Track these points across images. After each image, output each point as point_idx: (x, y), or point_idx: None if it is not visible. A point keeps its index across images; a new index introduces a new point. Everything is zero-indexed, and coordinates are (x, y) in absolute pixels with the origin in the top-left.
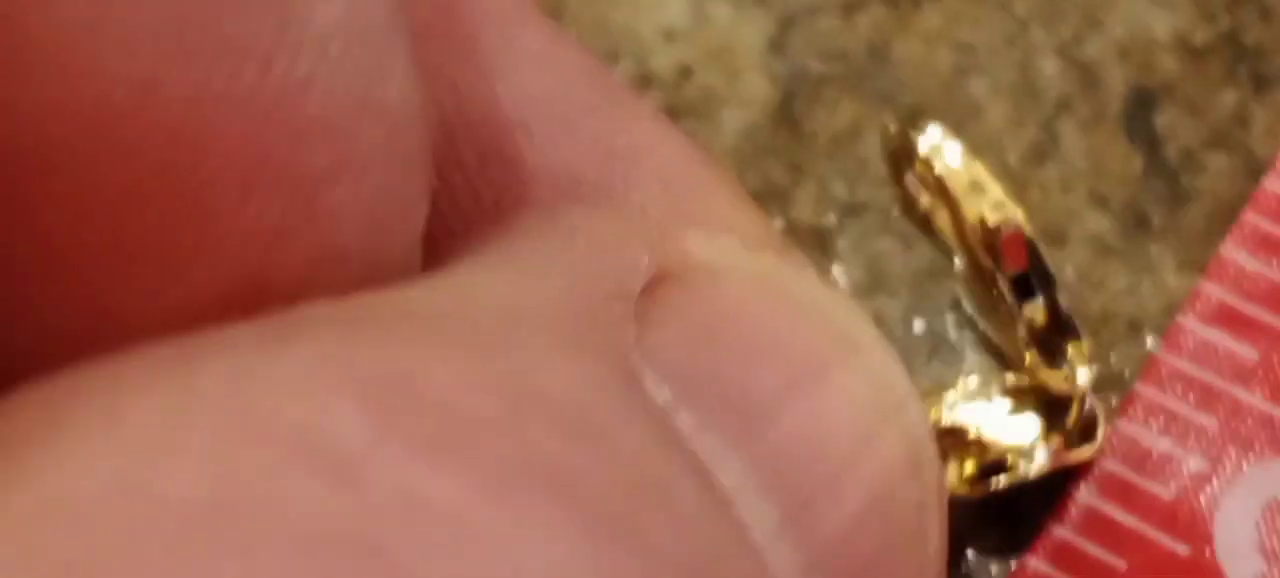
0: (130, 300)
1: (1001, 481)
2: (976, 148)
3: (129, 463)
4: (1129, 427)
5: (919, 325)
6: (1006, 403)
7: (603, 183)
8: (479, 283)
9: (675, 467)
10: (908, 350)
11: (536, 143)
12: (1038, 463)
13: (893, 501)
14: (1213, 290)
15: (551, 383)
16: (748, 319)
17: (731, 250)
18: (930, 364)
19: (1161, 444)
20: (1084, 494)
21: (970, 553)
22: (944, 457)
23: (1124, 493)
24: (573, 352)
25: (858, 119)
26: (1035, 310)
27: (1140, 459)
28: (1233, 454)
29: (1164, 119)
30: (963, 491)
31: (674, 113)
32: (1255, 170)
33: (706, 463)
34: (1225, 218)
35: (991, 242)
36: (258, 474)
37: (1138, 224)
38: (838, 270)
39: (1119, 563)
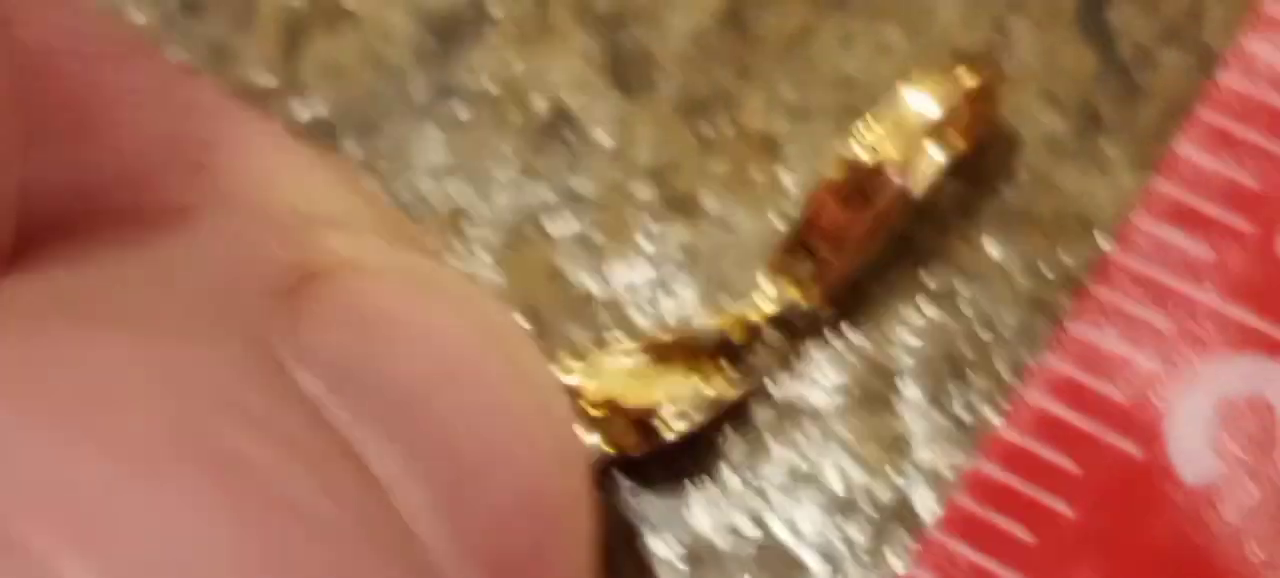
0: None
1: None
2: (929, 46)
3: None
4: (1081, 328)
5: None
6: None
7: (238, 195)
8: (118, 272)
9: (329, 451)
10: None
11: (166, 180)
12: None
13: (545, 493)
14: (1166, 188)
15: (198, 365)
16: (398, 312)
17: (376, 248)
18: (888, 272)
19: (1114, 345)
20: (1035, 397)
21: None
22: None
23: (1076, 395)
24: (219, 338)
25: (808, 22)
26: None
27: (1092, 361)
28: (1186, 354)
29: (1117, 14)
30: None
31: (621, 17)
32: (1209, 66)
33: (360, 451)
34: (1179, 115)
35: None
36: None
37: (1091, 122)
38: (787, 178)
39: (1071, 466)
